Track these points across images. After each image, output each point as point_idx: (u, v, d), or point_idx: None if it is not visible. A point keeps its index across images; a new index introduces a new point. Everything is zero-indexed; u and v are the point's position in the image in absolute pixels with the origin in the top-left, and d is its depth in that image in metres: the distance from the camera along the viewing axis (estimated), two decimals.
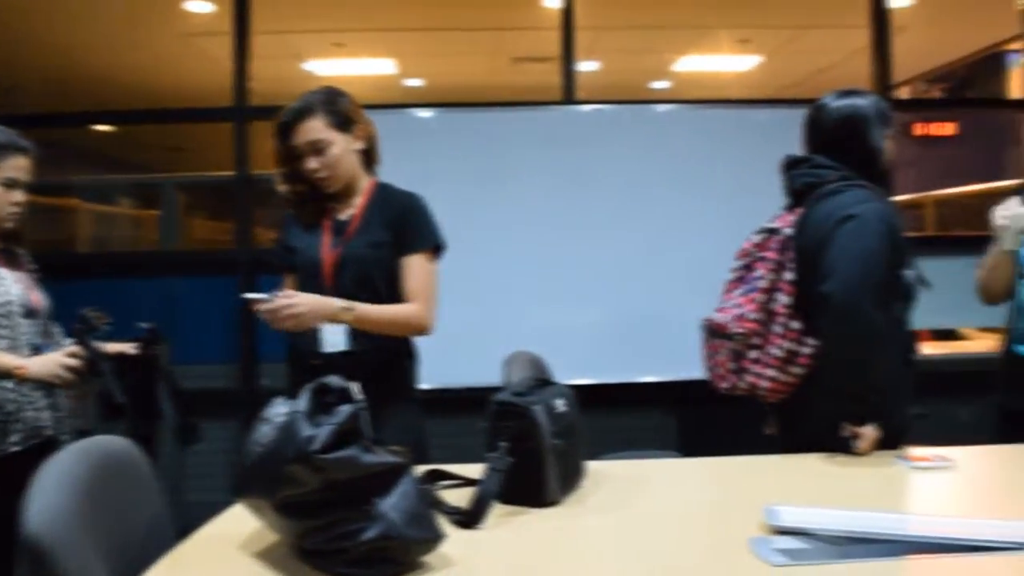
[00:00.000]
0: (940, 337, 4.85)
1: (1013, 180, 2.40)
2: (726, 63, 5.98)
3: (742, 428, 2.17)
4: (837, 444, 1.90)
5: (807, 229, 2.00)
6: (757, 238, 2.12)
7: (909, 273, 1.99)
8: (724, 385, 2.10)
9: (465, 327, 3.62)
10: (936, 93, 9.67)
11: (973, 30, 5.35)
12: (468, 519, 1.42)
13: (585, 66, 5.28)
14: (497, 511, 1.49)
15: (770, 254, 2.04)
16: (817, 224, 1.98)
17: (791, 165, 2.13)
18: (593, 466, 1.71)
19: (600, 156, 3.85)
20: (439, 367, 3.50)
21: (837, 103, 2.08)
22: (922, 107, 8.41)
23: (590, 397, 3.66)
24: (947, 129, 10.30)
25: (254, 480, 1.27)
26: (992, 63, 6.16)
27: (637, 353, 3.76)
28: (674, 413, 3.88)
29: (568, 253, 3.82)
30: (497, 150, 3.81)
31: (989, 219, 2.28)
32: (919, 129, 10.42)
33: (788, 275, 2.01)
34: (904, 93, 8.25)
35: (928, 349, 4.47)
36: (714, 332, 2.10)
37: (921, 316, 3.54)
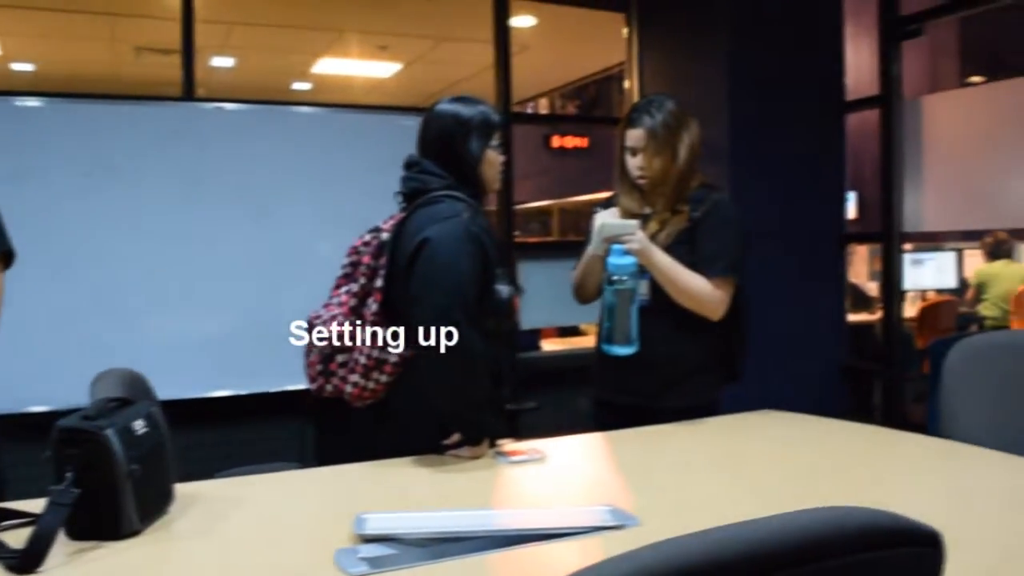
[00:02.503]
0: (564, 334, 5.27)
1: None
2: (366, 68, 6.02)
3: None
4: (426, 449, 1.93)
5: (402, 237, 1.98)
6: (367, 236, 2.09)
7: (502, 288, 1.99)
8: (314, 386, 2.05)
9: (68, 342, 3.29)
10: (572, 109, 10.53)
11: (588, 53, 5.84)
12: (24, 562, 1.26)
13: (219, 62, 5.05)
14: (66, 548, 1.34)
15: (366, 259, 2.03)
16: (410, 234, 1.96)
17: (406, 167, 2.09)
18: (184, 488, 1.61)
19: (227, 156, 3.69)
20: (38, 387, 3.16)
21: (442, 107, 2.07)
22: (533, 121, 9.15)
23: (221, 410, 3.55)
24: (581, 142, 11.30)
25: None
26: (615, 84, 6.81)
27: (272, 361, 3.64)
28: (313, 422, 3.82)
29: (190, 258, 3.62)
30: (111, 146, 3.52)
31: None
32: (556, 141, 11.32)
33: (379, 282, 1.99)
34: (544, 107, 8.89)
35: (551, 345, 4.83)
36: (310, 331, 2.05)
37: (545, 315, 3.77)
